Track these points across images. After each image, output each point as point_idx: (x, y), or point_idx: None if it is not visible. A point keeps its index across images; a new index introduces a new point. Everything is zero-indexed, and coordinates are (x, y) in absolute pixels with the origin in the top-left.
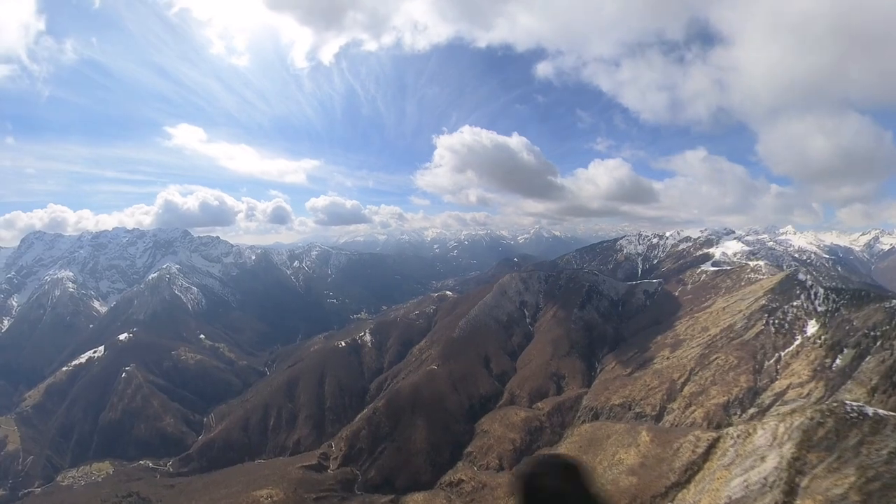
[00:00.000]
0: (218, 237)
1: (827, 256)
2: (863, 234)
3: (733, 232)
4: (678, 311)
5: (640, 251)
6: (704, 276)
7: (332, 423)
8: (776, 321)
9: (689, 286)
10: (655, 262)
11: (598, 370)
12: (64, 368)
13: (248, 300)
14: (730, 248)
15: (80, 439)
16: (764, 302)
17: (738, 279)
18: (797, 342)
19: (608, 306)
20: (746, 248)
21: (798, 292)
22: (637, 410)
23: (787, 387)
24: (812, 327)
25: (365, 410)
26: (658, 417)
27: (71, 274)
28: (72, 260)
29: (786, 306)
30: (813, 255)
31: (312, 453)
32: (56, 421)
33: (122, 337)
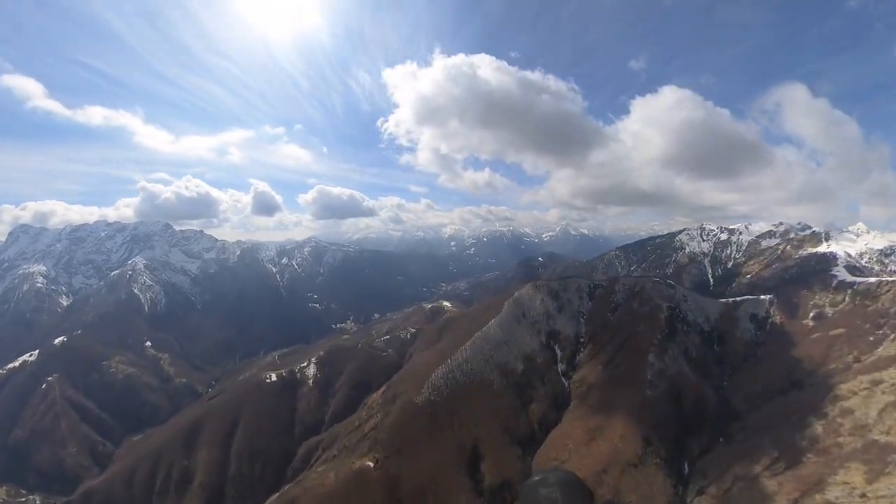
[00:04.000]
0: (201, 231)
1: None
2: None
3: (809, 227)
4: (828, 361)
5: (705, 250)
6: (850, 293)
7: (234, 500)
8: None
9: (829, 310)
10: (730, 265)
11: (692, 491)
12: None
13: (217, 302)
14: (853, 247)
15: None
16: None
17: None
18: None
19: (700, 345)
20: (875, 247)
21: None
22: None
23: None
24: None
25: None
26: None
27: (43, 268)
28: (47, 254)
29: None
30: None
31: None
32: None
33: (57, 341)
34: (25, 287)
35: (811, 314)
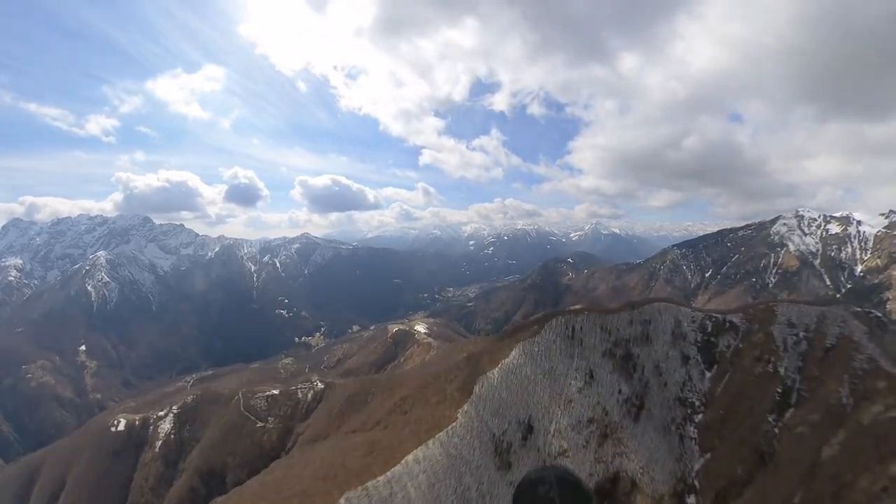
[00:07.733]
0: (181, 225)
1: None
2: None
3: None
4: None
5: (812, 248)
6: None
7: None
8: None
9: None
10: (858, 269)
11: None
12: None
13: (175, 304)
14: None
15: None
16: None
17: None
18: None
19: None
20: None
21: None
22: None
23: None
24: None
25: None
26: None
27: (19, 262)
28: (27, 247)
29: None
30: None
31: None
32: None
33: None
34: None
35: None
